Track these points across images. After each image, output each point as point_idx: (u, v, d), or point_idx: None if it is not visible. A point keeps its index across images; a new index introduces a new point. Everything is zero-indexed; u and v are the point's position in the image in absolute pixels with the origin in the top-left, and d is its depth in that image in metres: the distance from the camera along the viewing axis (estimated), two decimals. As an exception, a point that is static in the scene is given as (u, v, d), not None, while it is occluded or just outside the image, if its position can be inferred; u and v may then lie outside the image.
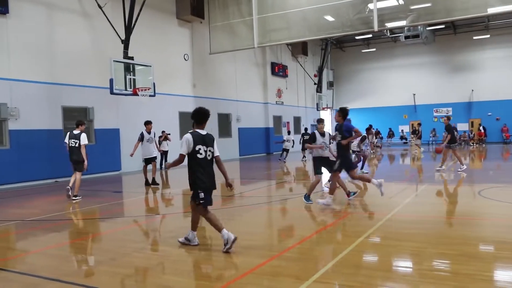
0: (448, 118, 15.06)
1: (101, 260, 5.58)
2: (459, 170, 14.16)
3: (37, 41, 15.29)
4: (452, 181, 12.66)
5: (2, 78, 14.18)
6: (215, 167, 5.77)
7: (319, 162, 9.25)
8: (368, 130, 15.51)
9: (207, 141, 5.73)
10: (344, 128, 8.67)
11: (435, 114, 36.42)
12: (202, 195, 5.64)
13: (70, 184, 10.53)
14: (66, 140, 10.59)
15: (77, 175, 10.52)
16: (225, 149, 25.64)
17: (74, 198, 10.36)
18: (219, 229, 5.65)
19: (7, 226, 8.14)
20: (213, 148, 5.79)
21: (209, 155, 5.71)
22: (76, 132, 10.49)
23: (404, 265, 5.14)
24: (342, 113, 8.79)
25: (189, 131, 5.75)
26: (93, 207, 9.91)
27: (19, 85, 14.60)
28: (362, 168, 14.30)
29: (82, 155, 10.36)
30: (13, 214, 9.31)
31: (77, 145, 10.38)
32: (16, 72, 14.54)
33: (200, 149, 5.62)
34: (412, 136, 35.51)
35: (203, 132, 5.76)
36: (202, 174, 5.65)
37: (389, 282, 4.45)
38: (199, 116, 5.78)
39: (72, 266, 5.45)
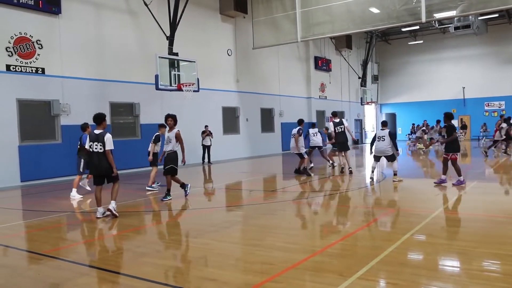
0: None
1: (146, 252, 5.73)
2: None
3: (87, 40, 15.85)
4: (504, 178, 12.12)
5: (55, 75, 14.82)
6: None
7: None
8: (326, 130, 16.20)
9: (99, 138, 7.63)
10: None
11: (486, 108, 34.87)
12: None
13: None
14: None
15: None
16: (268, 144, 25.67)
17: None
18: (98, 205, 7.85)
19: (59, 217, 8.52)
20: (104, 144, 7.60)
21: (100, 149, 7.60)
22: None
23: (451, 264, 4.96)
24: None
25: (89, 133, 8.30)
26: (138, 200, 10.20)
27: (70, 82, 15.21)
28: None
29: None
30: (65, 205, 9.73)
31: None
32: (67, 70, 15.16)
33: (91, 145, 7.65)
34: (462, 131, 34.21)
35: (97, 131, 7.70)
36: (91, 162, 7.78)
37: (436, 281, 4.31)
38: (95, 119, 7.79)
39: (118, 256, 5.63)
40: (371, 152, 11.84)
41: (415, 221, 7.03)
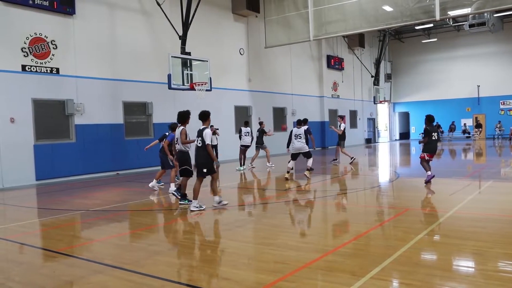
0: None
1: (159, 250, 5.77)
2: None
3: (100, 40, 15.99)
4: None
5: (69, 75, 14.98)
6: None
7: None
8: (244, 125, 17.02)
9: (200, 133, 8.31)
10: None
11: (501, 106, 34.37)
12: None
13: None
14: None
15: None
16: (280, 143, 25.59)
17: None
18: (194, 197, 8.30)
19: (73, 215, 8.60)
20: (202, 138, 8.23)
21: (199, 143, 8.29)
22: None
23: (466, 265, 4.91)
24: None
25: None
26: (152, 199, 10.26)
27: (84, 82, 15.36)
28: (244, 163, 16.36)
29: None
30: (79, 204, 9.83)
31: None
32: (81, 70, 15.31)
33: (196, 140, 8.37)
34: (476, 130, 33.80)
35: (201, 127, 8.39)
36: (195, 155, 8.43)
37: (450, 282, 4.27)
38: (200, 117, 8.57)
39: (132, 255, 5.66)
40: (287, 150, 12.85)
41: (429, 220, 6.97)
